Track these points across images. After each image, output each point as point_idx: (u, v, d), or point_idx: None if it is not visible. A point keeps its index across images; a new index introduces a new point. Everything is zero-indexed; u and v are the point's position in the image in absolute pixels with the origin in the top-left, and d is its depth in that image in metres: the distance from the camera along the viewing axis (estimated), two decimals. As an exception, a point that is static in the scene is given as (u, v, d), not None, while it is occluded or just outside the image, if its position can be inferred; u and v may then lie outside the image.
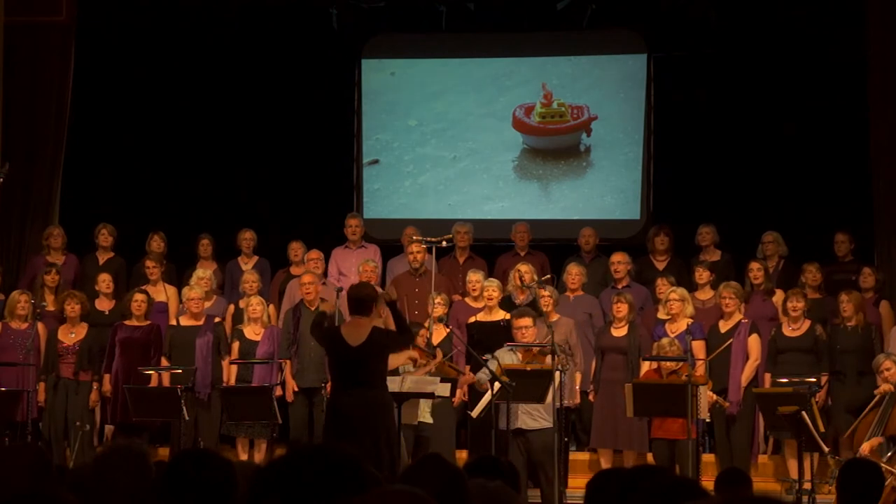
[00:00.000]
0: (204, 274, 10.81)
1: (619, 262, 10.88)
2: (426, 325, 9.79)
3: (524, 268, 10.32)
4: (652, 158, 12.85)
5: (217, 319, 10.53)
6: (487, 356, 8.77)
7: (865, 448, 8.45)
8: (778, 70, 12.31)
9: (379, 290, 8.56)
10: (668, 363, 9.21)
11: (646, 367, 9.85)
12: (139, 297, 10.39)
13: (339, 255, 11.53)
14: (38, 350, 10.26)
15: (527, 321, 9.06)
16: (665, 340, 9.42)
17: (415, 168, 13.27)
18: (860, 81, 11.70)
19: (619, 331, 10.06)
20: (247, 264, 11.50)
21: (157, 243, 11.39)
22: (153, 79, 12.80)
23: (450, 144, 13.21)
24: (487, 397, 8.66)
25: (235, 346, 10.35)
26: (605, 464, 9.94)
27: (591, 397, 10.17)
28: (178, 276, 11.33)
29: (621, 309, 10.03)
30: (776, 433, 9.82)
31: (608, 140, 13.01)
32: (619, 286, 10.76)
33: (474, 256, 11.54)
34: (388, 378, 8.21)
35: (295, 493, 2.91)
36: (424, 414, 9.00)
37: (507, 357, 9.00)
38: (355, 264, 11.10)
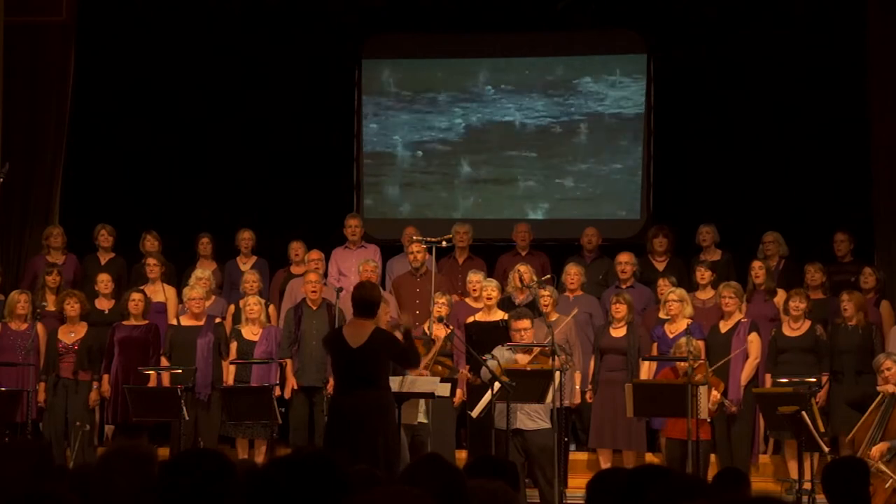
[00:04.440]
0: (203, 274, 10.80)
1: (626, 263, 10.88)
2: (426, 325, 9.79)
3: (524, 268, 10.32)
4: (652, 158, 12.86)
5: (218, 320, 10.52)
6: (487, 356, 8.77)
7: (875, 453, 8.43)
8: (778, 70, 12.30)
9: (396, 317, 8.50)
10: (683, 363, 9.17)
11: (646, 366, 9.86)
12: (136, 296, 10.38)
13: (339, 255, 11.53)
14: (37, 350, 10.26)
15: (525, 323, 9.05)
16: (682, 340, 9.39)
17: (415, 168, 13.29)
18: (860, 81, 11.70)
19: (618, 331, 10.06)
20: (245, 264, 11.50)
21: (150, 243, 11.39)
22: (153, 79, 12.79)
23: (449, 144, 13.22)
24: (487, 397, 8.66)
25: (233, 346, 10.35)
26: (604, 464, 9.94)
27: (588, 397, 10.18)
28: (178, 276, 11.33)
29: (620, 310, 10.04)
30: (776, 433, 9.82)
31: (608, 140, 13.02)
32: (625, 286, 10.76)
33: (474, 257, 11.54)
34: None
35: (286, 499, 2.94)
36: (419, 415, 9.00)
37: (507, 357, 8.99)
38: (355, 264, 11.10)
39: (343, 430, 7.62)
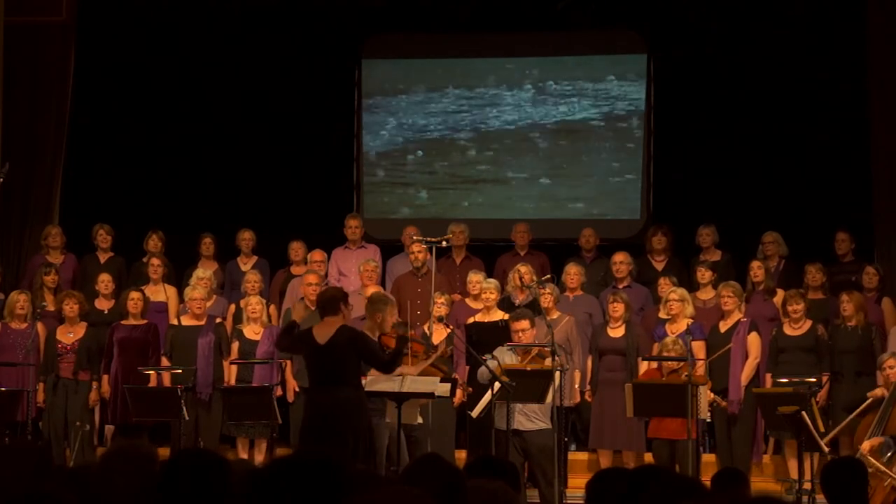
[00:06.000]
0: (204, 274, 10.81)
1: (622, 262, 10.89)
2: (427, 326, 9.78)
3: (524, 268, 10.32)
4: (652, 158, 12.86)
5: (218, 320, 10.52)
6: (487, 356, 8.76)
7: (866, 447, 8.44)
8: (778, 70, 12.30)
9: (392, 320, 8.59)
10: (669, 362, 9.21)
11: (644, 366, 9.85)
12: (135, 294, 10.37)
13: (339, 255, 11.53)
14: (37, 350, 10.26)
15: (524, 324, 9.04)
16: (668, 339, 9.41)
17: (415, 168, 13.29)
18: (860, 81, 11.70)
19: (616, 331, 10.06)
20: (246, 264, 11.50)
21: (154, 242, 11.39)
22: (153, 79, 12.80)
23: (450, 144, 13.23)
24: (487, 397, 8.65)
25: (235, 346, 10.34)
26: (604, 464, 9.93)
27: (587, 397, 10.17)
28: (178, 275, 11.32)
29: (617, 309, 10.04)
30: (776, 433, 9.82)
31: (608, 140, 13.02)
32: (621, 286, 10.76)
33: (471, 256, 11.54)
34: (388, 378, 8.20)
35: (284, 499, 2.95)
36: (415, 415, 9.00)
37: (507, 357, 8.99)
38: (355, 264, 11.10)
39: (315, 428, 7.76)
